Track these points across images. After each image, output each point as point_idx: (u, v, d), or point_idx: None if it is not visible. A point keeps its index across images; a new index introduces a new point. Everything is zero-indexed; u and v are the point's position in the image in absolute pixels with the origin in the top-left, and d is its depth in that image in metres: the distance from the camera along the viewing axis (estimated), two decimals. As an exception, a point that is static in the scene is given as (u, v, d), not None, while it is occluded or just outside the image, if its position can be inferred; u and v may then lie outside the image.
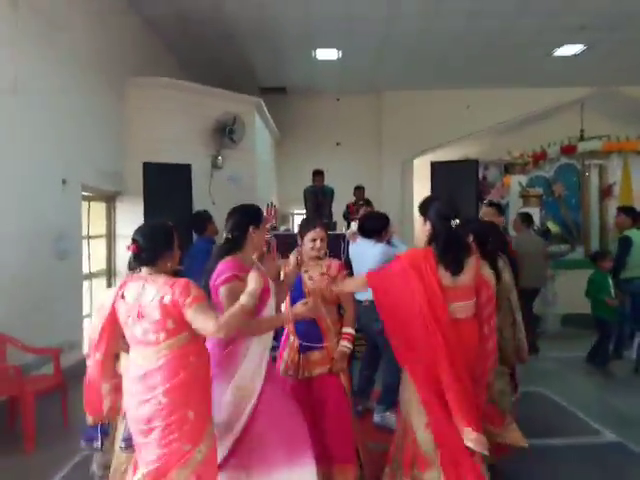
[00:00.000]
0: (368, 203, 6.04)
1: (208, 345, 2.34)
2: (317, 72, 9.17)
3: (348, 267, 4.03)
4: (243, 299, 2.20)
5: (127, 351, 2.30)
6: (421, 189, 8.52)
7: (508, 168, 9.26)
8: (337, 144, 10.36)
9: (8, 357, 4.06)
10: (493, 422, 2.91)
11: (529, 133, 9.24)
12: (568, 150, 8.84)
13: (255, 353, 2.40)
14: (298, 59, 8.55)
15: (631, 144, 8.41)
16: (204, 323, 2.10)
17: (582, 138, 8.76)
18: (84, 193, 5.69)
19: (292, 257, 2.92)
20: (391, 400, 3.73)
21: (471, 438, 2.44)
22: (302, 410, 2.55)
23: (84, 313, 5.66)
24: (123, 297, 2.19)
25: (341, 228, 7.13)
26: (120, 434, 2.62)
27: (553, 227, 8.07)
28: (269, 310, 2.50)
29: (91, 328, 2.39)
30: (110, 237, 6.54)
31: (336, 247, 5.73)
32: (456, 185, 6.88)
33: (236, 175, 7.40)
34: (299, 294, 2.98)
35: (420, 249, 2.68)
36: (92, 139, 5.74)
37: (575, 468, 3.44)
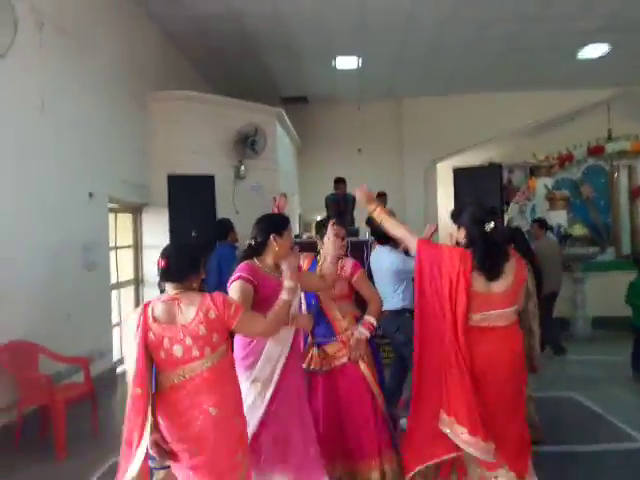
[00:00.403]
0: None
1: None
2: (337, 81, 9.21)
3: (370, 275, 4.03)
4: (284, 295, 2.33)
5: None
6: (445, 195, 8.46)
7: (533, 171, 9.13)
8: (359, 150, 10.35)
9: (40, 366, 4.15)
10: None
11: (555, 135, 9.09)
12: (596, 151, 8.68)
13: (274, 350, 2.49)
14: (318, 68, 8.61)
15: (660, 143, 8.22)
16: (253, 327, 2.26)
17: (610, 138, 8.59)
18: (110, 205, 5.82)
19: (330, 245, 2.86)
20: None
21: (464, 440, 2.38)
22: (326, 407, 2.72)
23: (113, 322, 5.77)
24: (155, 319, 2.14)
25: (364, 235, 7.11)
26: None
27: (581, 229, 7.91)
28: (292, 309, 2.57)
29: (128, 361, 2.35)
30: (137, 247, 6.67)
31: (359, 253, 5.72)
32: (480, 190, 6.78)
33: (259, 184, 7.46)
34: (312, 294, 3.07)
35: (459, 248, 2.59)
36: (117, 153, 5.87)
37: (609, 474, 3.34)
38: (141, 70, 6.53)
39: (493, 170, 7.33)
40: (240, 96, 7.65)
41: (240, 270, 2.52)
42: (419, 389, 2.61)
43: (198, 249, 2.42)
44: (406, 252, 4.13)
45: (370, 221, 7.89)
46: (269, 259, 2.63)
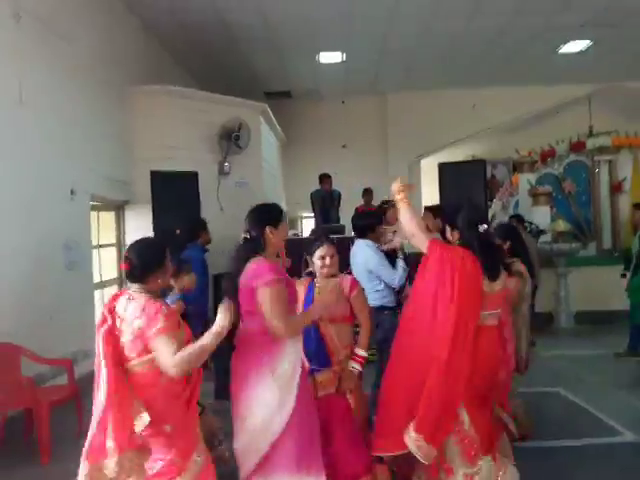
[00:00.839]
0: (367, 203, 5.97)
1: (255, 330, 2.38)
2: (321, 75, 9.16)
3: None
4: (206, 339, 2.12)
5: None
6: (429, 190, 8.49)
7: (516, 166, 9.21)
8: (343, 146, 10.34)
9: (22, 369, 4.06)
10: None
11: (537, 131, 9.18)
12: (577, 147, 8.79)
13: (293, 351, 2.43)
14: (302, 63, 8.55)
15: (641, 139, 8.35)
16: (162, 356, 2.11)
17: (591, 134, 8.69)
18: (93, 202, 5.71)
19: None
20: None
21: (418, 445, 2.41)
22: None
23: (96, 322, 5.67)
24: (115, 311, 2.24)
25: (350, 232, 7.12)
26: None
27: (563, 225, 8.00)
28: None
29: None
30: (120, 245, 6.56)
31: (345, 250, 5.69)
32: (464, 186, 6.84)
33: (243, 180, 7.40)
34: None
35: (459, 248, 2.57)
36: (99, 149, 5.77)
37: (595, 468, 3.37)
38: (122, 64, 6.41)
39: (477, 165, 7.40)
40: (223, 91, 7.56)
41: (273, 271, 2.36)
42: (392, 387, 2.62)
43: (159, 245, 2.41)
44: (388, 253, 4.07)
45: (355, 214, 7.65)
46: (272, 254, 2.52)
